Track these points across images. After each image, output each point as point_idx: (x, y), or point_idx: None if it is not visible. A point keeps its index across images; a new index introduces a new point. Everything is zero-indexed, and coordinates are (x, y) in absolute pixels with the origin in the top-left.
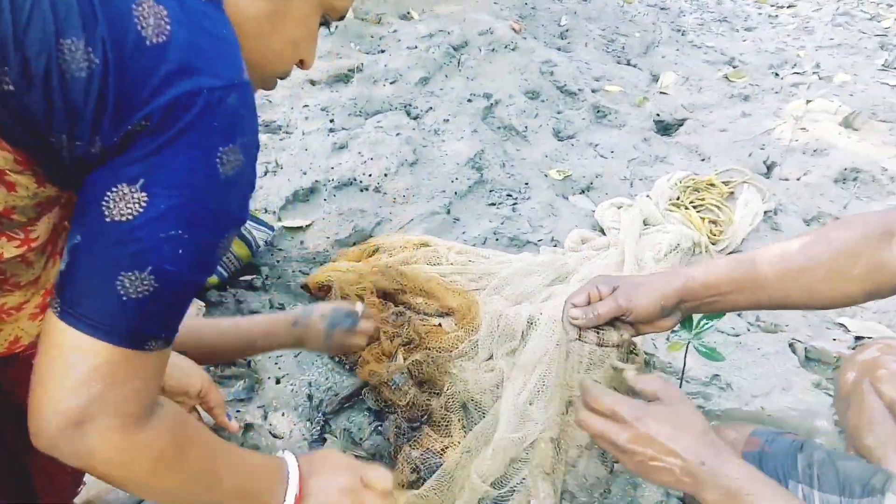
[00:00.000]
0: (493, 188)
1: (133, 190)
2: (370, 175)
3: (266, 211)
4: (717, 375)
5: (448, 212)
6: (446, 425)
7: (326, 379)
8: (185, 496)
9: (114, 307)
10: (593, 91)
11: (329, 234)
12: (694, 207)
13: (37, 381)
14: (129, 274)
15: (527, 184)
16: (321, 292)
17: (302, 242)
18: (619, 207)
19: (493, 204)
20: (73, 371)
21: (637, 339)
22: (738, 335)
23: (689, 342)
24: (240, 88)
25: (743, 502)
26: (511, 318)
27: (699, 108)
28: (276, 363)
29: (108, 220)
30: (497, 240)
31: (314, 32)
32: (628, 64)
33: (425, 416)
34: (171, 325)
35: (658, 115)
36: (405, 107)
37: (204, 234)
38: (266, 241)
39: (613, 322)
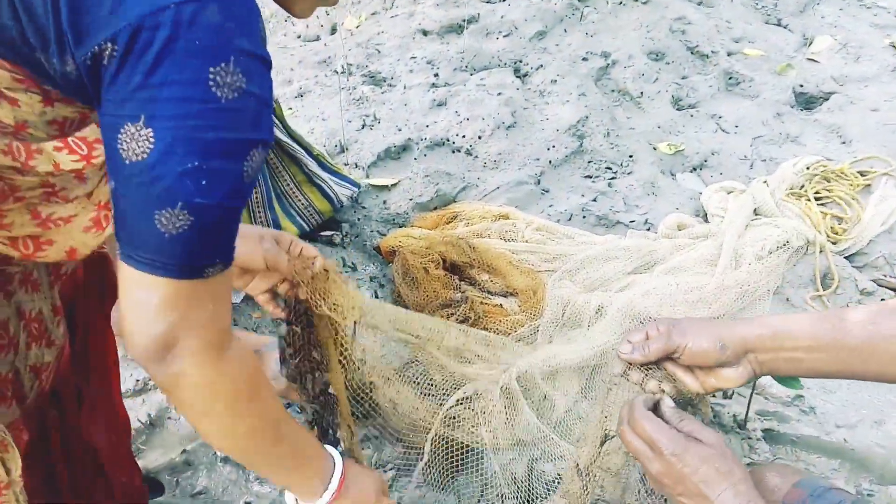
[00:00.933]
0: (591, 159)
1: (138, 128)
2: (464, 136)
3: (357, 166)
4: (801, 396)
5: (538, 182)
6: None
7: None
8: (250, 445)
9: (160, 244)
10: (729, 54)
11: (412, 196)
12: (817, 199)
13: (122, 316)
14: (164, 212)
15: (631, 156)
16: (391, 256)
17: (385, 202)
18: (728, 192)
19: (589, 176)
20: (146, 306)
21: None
22: None
23: None
24: None
25: None
26: (579, 306)
27: (852, 80)
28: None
29: (127, 161)
30: (584, 217)
31: None
32: (778, 24)
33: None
34: (223, 250)
35: (801, 85)
36: (514, 63)
37: (222, 161)
38: (351, 198)
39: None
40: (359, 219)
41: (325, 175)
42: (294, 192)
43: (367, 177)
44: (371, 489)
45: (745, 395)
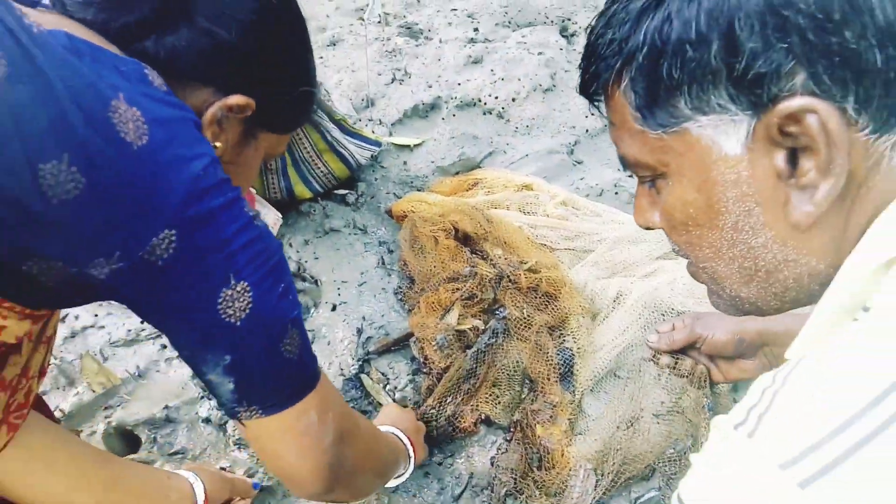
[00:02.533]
0: None
1: (233, 286)
2: (496, 97)
3: (381, 123)
4: None
5: (571, 152)
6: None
7: (382, 316)
8: (382, 472)
9: (294, 369)
10: None
11: (434, 159)
12: None
13: (287, 464)
14: (286, 342)
15: None
16: (403, 220)
17: (405, 163)
18: None
19: None
20: (311, 429)
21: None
22: None
23: None
24: (216, 157)
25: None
26: (597, 292)
27: None
28: (338, 290)
29: (239, 324)
30: (616, 194)
31: (253, 178)
32: None
33: (470, 386)
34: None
35: None
36: (562, 21)
37: (287, 275)
38: (372, 156)
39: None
40: (376, 179)
41: (346, 141)
42: (314, 160)
43: (391, 135)
44: (417, 427)
45: None
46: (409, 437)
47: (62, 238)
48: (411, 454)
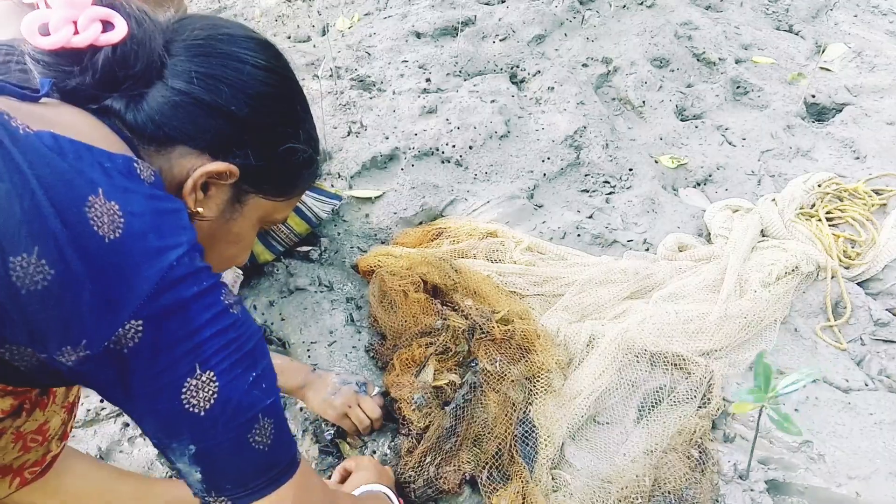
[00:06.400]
0: (589, 172)
1: (198, 377)
2: (453, 146)
3: (339, 176)
4: (809, 442)
5: (531, 196)
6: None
7: (354, 375)
8: None
9: (267, 460)
10: (737, 62)
11: (396, 210)
12: (829, 220)
13: None
14: (255, 432)
15: (630, 170)
16: (370, 275)
17: (367, 216)
18: (734, 210)
19: (586, 191)
20: None
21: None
22: (848, 391)
23: (762, 407)
24: (198, 245)
25: None
26: (570, 337)
27: (867, 91)
28: (308, 351)
29: (202, 414)
30: (579, 235)
31: (250, 244)
32: (790, 31)
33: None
34: (290, 431)
35: (813, 96)
36: (511, 68)
37: (263, 360)
38: (333, 210)
39: None
40: (339, 233)
41: (306, 197)
42: (275, 227)
43: (350, 188)
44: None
45: (749, 439)
46: (394, 493)
47: (30, 327)
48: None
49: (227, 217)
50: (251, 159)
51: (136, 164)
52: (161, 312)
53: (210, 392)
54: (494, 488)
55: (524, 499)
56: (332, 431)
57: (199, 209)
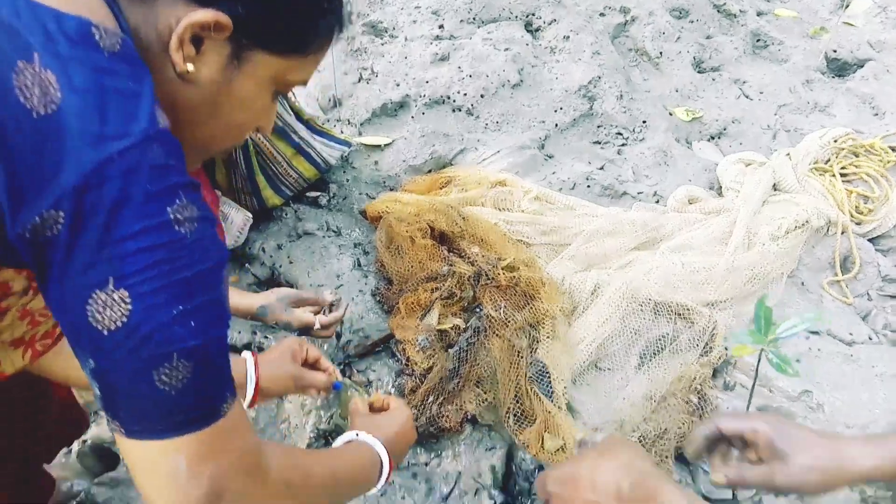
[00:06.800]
0: (601, 123)
1: (109, 292)
2: (465, 94)
3: (349, 123)
4: (809, 392)
5: (542, 146)
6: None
7: (361, 319)
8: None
9: (169, 405)
10: (759, 14)
11: (406, 157)
12: (843, 175)
13: (149, 498)
14: (162, 370)
15: (644, 122)
16: (378, 221)
17: (376, 163)
18: (747, 164)
19: (598, 142)
20: (177, 474)
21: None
22: (851, 344)
23: (761, 351)
24: (158, 138)
25: None
26: (575, 285)
27: (890, 47)
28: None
29: (105, 333)
30: (589, 187)
31: (265, 108)
32: None
33: (454, 386)
34: (227, 380)
35: (835, 50)
36: (526, 16)
37: (203, 295)
38: (342, 157)
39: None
40: (347, 180)
41: (314, 141)
42: (283, 168)
43: (360, 134)
44: (404, 429)
45: (747, 387)
46: (387, 450)
47: None
48: (385, 470)
49: (228, 77)
50: (239, 7)
51: (94, 29)
52: (86, 209)
53: (119, 313)
54: (521, 428)
55: (548, 428)
56: (338, 370)
57: (190, 67)
